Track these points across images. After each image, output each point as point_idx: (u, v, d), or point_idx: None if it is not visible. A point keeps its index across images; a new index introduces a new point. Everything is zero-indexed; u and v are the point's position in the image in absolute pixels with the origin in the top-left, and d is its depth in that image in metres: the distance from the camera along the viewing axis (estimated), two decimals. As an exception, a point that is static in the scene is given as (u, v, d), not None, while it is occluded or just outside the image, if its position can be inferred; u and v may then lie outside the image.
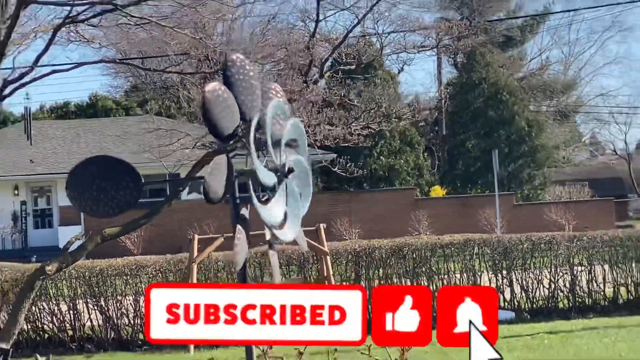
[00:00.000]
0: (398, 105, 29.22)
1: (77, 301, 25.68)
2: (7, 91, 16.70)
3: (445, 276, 26.73)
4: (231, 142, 6.30)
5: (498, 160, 58.65)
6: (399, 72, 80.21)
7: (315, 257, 25.53)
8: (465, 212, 57.29)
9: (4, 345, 16.25)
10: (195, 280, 24.43)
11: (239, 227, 6.47)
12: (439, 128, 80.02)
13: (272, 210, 6.24)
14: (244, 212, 6.79)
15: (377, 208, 57.32)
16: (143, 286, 25.65)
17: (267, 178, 6.13)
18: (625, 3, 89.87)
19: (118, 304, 25.62)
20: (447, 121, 78.67)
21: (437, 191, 68.06)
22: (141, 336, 25.31)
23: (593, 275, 27.12)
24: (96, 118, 74.48)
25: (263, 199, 6.44)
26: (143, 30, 17.40)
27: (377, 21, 27.42)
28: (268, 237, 6.62)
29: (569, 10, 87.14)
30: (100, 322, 25.65)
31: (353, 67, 23.22)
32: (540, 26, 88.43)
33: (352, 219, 53.94)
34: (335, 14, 18.19)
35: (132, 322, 25.56)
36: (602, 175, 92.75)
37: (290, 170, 6.20)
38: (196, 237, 24.99)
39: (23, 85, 17.09)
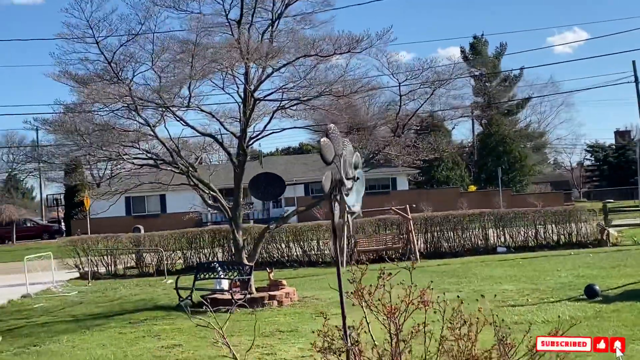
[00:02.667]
0: (449, 146, 28.93)
1: (289, 243, 26.31)
2: (250, 143, 17.27)
3: (470, 230, 26.81)
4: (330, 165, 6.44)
5: (502, 172, 58.48)
6: (452, 128, 79.45)
7: (404, 221, 25.75)
8: (486, 199, 56.53)
9: (251, 263, 16.88)
10: (345, 232, 24.64)
11: (336, 204, 6.60)
12: (473, 156, 79.15)
13: (351, 198, 6.48)
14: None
15: (440, 197, 57.04)
16: (321, 235, 26.10)
17: (348, 183, 6.36)
18: (570, 92, 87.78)
19: (309, 244, 26.16)
20: (477, 153, 77.84)
21: (472, 188, 67.42)
22: (320, 260, 25.77)
23: (546, 229, 26.94)
24: (302, 155, 75.01)
25: (345, 193, 6.63)
26: (321, 110, 17.65)
27: (434, 104, 27.35)
28: (347, 210, 6.83)
29: (540, 96, 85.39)
30: (300, 253, 26.16)
31: (418, 127, 23.44)
32: (526, 104, 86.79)
33: (427, 202, 53.77)
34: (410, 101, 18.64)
35: (316, 253, 26.01)
36: (558, 179, 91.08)
37: (358, 178, 6.44)
38: (346, 212, 25.33)
39: (257, 139, 17.59)
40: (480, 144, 77.43)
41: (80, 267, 26.14)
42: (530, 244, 26.68)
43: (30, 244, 52.77)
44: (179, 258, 26.44)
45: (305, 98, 16.16)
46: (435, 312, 5.35)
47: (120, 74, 16.18)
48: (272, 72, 16.25)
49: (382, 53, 16.29)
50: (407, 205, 25.89)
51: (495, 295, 14.76)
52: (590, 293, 14.35)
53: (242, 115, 16.58)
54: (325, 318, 6.06)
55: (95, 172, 72.26)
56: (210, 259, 25.41)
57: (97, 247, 26.33)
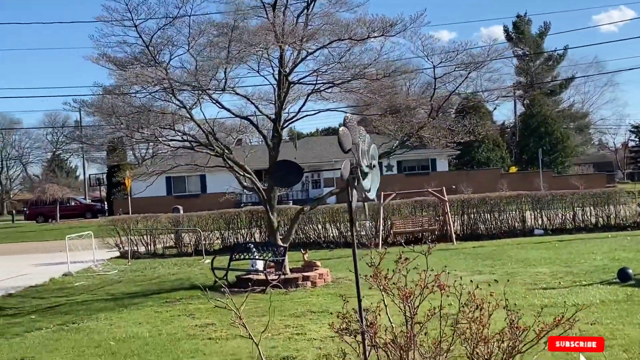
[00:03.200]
0: (485, 128, 27.94)
1: (325, 224, 26.46)
2: (285, 125, 17.48)
3: (507, 212, 26.73)
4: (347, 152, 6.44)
5: (544, 153, 58.01)
6: (494, 109, 78.78)
7: (441, 203, 25.78)
8: (527, 180, 56.09)
9: (285, 244, 17.12)
10: (382, 214, 24.81)
11: (354, 190, 6.67)
12: (515, 137, 78.41)
13: (366, 183, 6.55)
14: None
15: (480, 178, 56.76)
16: (357, 216, 26.17)
17: (365, 170, 6.37)
18: (614, 72, 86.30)
19: (345, 225, 26.14)
20: (519, 133, 77.04)
21: (513, 170, 66.91)
22: (357, 241, 25.72)
23: (584, 212, 26.80)
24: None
25: (362, 180, 6.63)
26: (356, 93, 17.71)
27: (475, 86, 26.25)
28: (363, 196, 6.83)
29: (584, 76, 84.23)
30: (336, 234, 26.29)
31: (455, 109, 23.20)
32: (569, 84, 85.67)
33: (467, 184, 53.54)
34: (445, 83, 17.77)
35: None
36: (601, 160, 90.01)
37: (374, 166, 6.52)
38: (382, 194, 25.41)
39: (292, 122, 17.77)
40: (522, 124, 76.79)
41: (121, 246, 26.73)
42: (567, 227, 26.57)
43: (73, 223, 53.86)
44: (217, 238, 26.84)
45: (339, 82, 16.28)
46: (448, 296, 5.51)
47: (157, 57, 16.45)
48: (307, 56, 16.40)
49: (417, 35, 16.28)
50: (444, 187, 25.88)
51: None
52: (623, 276, 14.33)
53: (276, 98, 16.79)
54: (344, 300, 6.28)
55: (137, 152, 73.32)
56: (247, 239, 25.78)
57: (137, 227, 26.88)
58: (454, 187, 53.61)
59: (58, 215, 59.81)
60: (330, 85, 16.45)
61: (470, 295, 5.57)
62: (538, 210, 26.80)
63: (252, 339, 5.69)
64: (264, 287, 15.70)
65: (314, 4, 17.24)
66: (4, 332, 12.91)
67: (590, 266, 16.84)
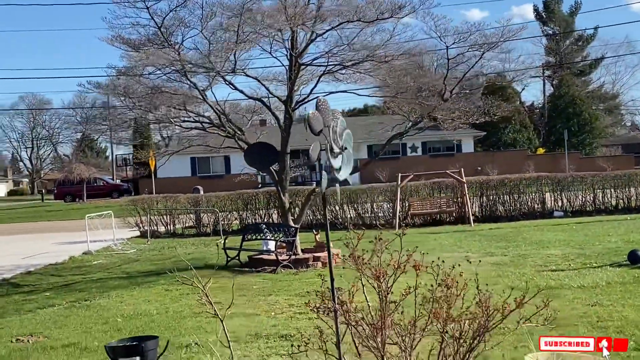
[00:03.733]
0: (503, 107, 27.04)
1: (343, 205, 26.52)
2: (296, 107, 17.56)
3: (527, 194, 26.64)
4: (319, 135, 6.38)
5: (572, 135, 57.37)
6: (522, 90, 78.14)
7: (459, 185, 25.70)
8: (554, 162, 55.74)
9: (297, 225, 17.26)
10: (399, 195, 24.86)
11: (324, 172, 6.62)
12: (543, 118, 77.59)
13: (337, 165, 6.42)
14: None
15: (507, 160, 56.33)
16: (375, 197, 26.33)
17: (336, 153, 6.28)
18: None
19: (363, 206, 26.34)
20: (547, 114, 76.24)
21: (540, 151, 66.30)
22: (375, 222, 25.84)
23: (604, 194, 26.63)
24: (363, 116, 73.82)
25: (334, 162, 6.46)
26: (365, 74, 17.69)
27: (502, 65, 25.65)
28: (336, 178, 6.64)
29: (614, 56, 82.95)
30: (353, 214, 26.38)
31: (468, 90, 22.73)
32: (599, 64, 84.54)
33: (493, 165, 53.34)
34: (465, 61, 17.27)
35: (369, 215, 26.19)
36: (631, 141, 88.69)
37: (345, 148, 6.43)
38: (399, 175, 25.42)
39: (303, 103, 17.79)
40: (550, 105, 75.99)
41: (141, 225, 27.12)
42: (588, 209, 26.42)
43: (100, 203, 54.49)
44: (235, 219, 27.09)
45: (349, 63, 16.31)
46: (418, 276, 5.61)
47: (169, 38, 16.57)
48: (316, 38, 16.40)
49: (429, 16, 16.24)
50: (462, 169, 25.80)
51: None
52: (634, 258, 14.28)
53: (287, 79, 16.86)
54: (323, 280, 6.42)
55: (165, 133, 73.75)
56: (265, 220, 25.99)
57: (157, 207, 27.22)
58: (479, 168, 53.45)
59: (85, 194, 60.54)
60: (341, 67, 16.48)
61: (445, 275, 5.66)
62: (558, 192, 26.67)
63: (217, 315, 5.85)
64: (275, 267, 15.88)
65: (326, -15, 17.20)
66: (18, 309, 13.25)
67: (603, 248, 16.79)
